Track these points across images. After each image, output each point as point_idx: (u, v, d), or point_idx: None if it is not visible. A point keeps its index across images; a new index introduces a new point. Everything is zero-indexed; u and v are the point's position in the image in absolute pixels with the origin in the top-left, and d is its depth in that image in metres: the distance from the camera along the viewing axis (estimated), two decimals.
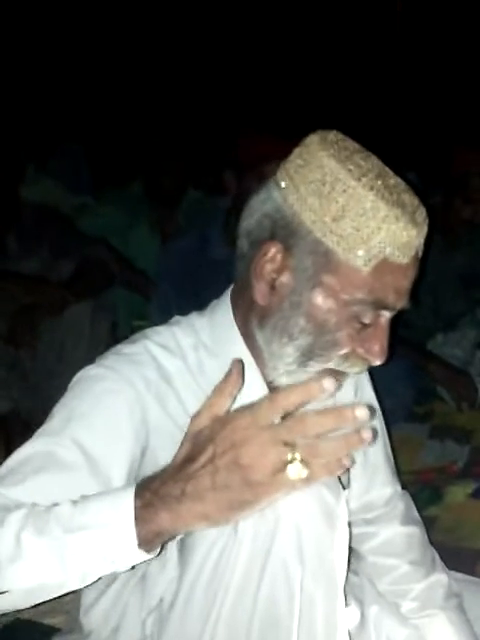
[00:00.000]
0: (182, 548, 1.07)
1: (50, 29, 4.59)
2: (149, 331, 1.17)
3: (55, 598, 0.95)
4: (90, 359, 1.15)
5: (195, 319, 1.18)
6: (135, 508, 0.88)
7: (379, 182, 1.04)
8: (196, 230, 2.31)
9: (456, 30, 4.96)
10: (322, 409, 0.83)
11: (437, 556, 1.44)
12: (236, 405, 1.12)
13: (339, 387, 1.15)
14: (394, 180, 1.07)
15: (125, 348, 1.13)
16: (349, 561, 1.07)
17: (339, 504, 1.03)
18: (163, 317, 1.29)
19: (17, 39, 4.47)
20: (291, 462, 0.82)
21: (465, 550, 1.89)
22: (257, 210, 1.10)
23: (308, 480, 0.83)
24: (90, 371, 1.10)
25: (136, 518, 0.87)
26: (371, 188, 1.03)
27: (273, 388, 1.14)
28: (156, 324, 1.21)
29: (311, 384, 0.84)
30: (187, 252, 2.21)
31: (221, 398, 0.91)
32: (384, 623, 1.37)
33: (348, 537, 1.05)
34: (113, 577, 1.13)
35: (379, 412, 1.38)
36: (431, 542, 1.46)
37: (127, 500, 0.88)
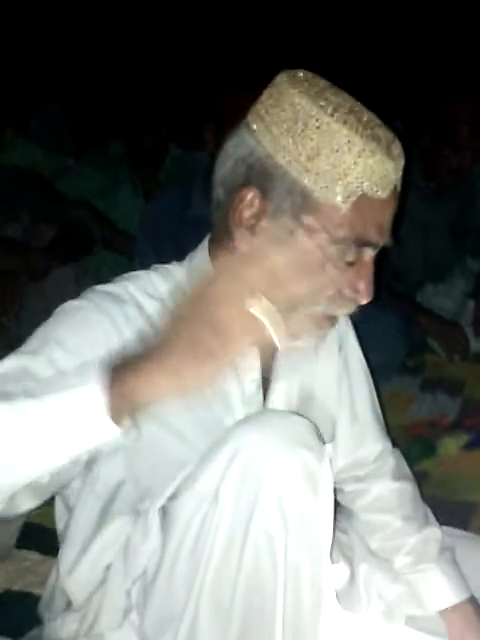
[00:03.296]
0: (164, 516, 1.05)
1: None
2: (127, 275, 1.16)
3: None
4: None
5: (174, 267, 1.18)
6: (101, 371, 0.87)
7: (352, 117, 1.02)
8: (176, 189, 2.27)
9: None
10: None
11: (430, 511, 1.43)
12: None
13: (327, 333, 1.14)
14: (367, 115, 1.04)
15: (106, 287, 1.13)
16: (335, 522, 1.06)
17: (321, 465, 1.01)
18: None
19: None
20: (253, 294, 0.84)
21: (459, 503, 1.89)
22: (231, 156, 1.07)
23: (272, 316, 0.84)
24: (72, 303, 1.10)
25: (102, 381, 0.87)
26: (345, 122, 1.01)
27: None
28: None
29: None
30: (168, 211, 2.17)
31: None
32: (374, 581, 1.37)
33: (332, 500, 1.03)
34: (91, 534, 1.13)
35: (366, 369, 1.37)
36: (424, 497, 1.46)
37: (91, 366, 0.88)
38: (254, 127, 1.05)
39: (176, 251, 2.07)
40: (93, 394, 0.87)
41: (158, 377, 0.86)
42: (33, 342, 1.06)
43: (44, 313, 2.35)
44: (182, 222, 2.12)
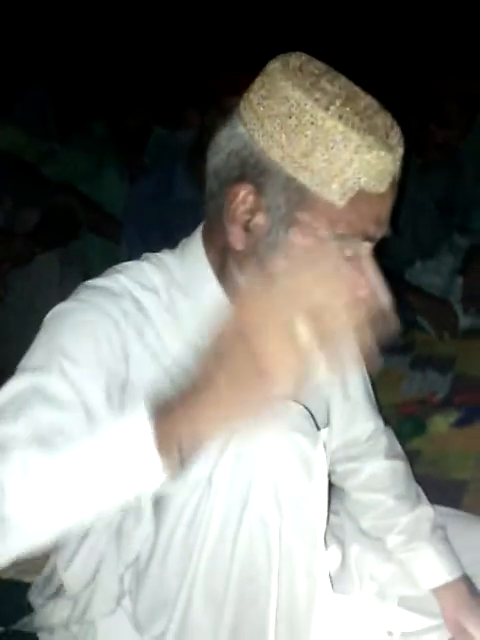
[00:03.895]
0: (157, 502, 1.04)
1: None
2: (119, 267, 1.13)
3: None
4: None
5: (165, 256, 1.15)
6: (148, 409, 0.84)
7: (348, 108, 0.98)
8: (160, 171, 2.25)
9: None
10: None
11: (422, 491, 1.43)
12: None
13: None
14: (365, 101, 1.01)
15: (97, 282, 1.10)
16: (329, 507, 1.06)
17: (316, 451, 1.00)
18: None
19: None
20: (294, 327, 0.79)
21: (450, 481, 1.89)
22: (224, 148, 1.04)
23: (320, 344, 0.80)
24: (64, 306, 1.07)
25: (150, 418, 0.84)
26: (340, 117, 0.97)
27: None
28: None
29: None
30: (152, 196, 2.15)
31: None
32: (366, 562, 1.37)
33: (326, 484, 1.03)
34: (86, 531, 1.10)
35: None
36: (415, 475, 1.46)
37: (139, 408, 0.85)
38: (246, 119, 1.02)
39: (162, 235, 2.06)
40: (142, 432, 0.84)
41: (206, 424, 0.84)
42: (36, 355, 1.02)
43: (29, 299, 2.35)
44: (167, 206, 2.10)
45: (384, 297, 1.02)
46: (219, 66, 2.24)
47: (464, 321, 2.64)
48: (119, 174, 2.88)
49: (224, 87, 1.95)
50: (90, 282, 1.11)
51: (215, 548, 0.97)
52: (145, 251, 2.15)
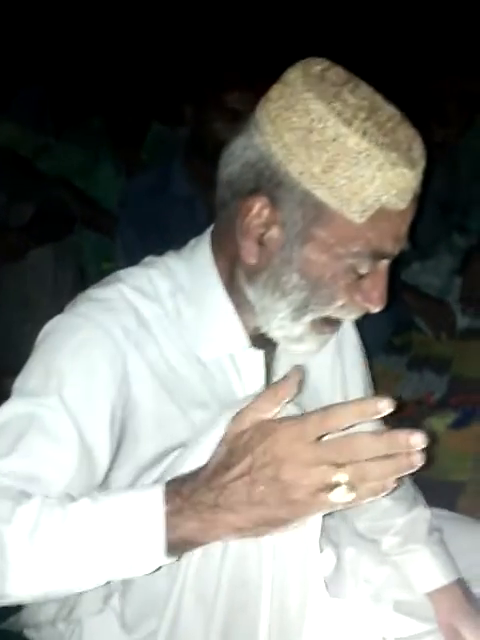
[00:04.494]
0: None
1: None
2: (123, 273, 1.10)
3: None
4: (56, 305, 1.10)
5: (172, 261, 1.12)
6: (165, 514, 0.83)
7: (370, 123, 0.95)
8: (156, 166, 2.23)
9: None
10: (374, 432, 0.77)
11: (419, 492, 1.42)
12: (216, 352, 1.08)
13: (330, 337, 1.10)
14: (387, 113, 0.98)
15: (98, 293, 1.07)
16: None
17: None
18: (129, 258, 1.23)
19: None
20: (336, 485, 0.76)
21: (446, 483, 1.88)
22: (239, 157, 1.00)
23: (351, 503, 0.77)
24: (63, 321, 1.04)
25: (165, 524, 0.83)
26: (364, 133, 0.93)
27: (257, 337, 1.10)
28: (123, 266, 1.14)
29: (366, 404, 0.77)
30: (149, 192, 2.13)
31: (268, 403, 0.82)
32: (361, 565, 1.35)
33: None
34: None
35: (360, 353, 1.34)
36: (411, 476, 1.44)
37: (156, 505, 0.83)
38: (264, 130, 0.98)
39: (158, 231, 2.05)
40: (154, 541, 0.84)
41: (221, 531, 0.83)
42: (35, 377, 1.01)
43: (23, 294, 2.33)
44: (163, 202, 2.08)
45: None
46: (216, 62, 2.22)
47: (462, 322, 2.63)
48: (115, 169, 2.86)
49: (221, 83, 1.94)
50: (90, 293, 1.08)
51: (206, 550, 0.95)
52: (140, 247, 2.13)
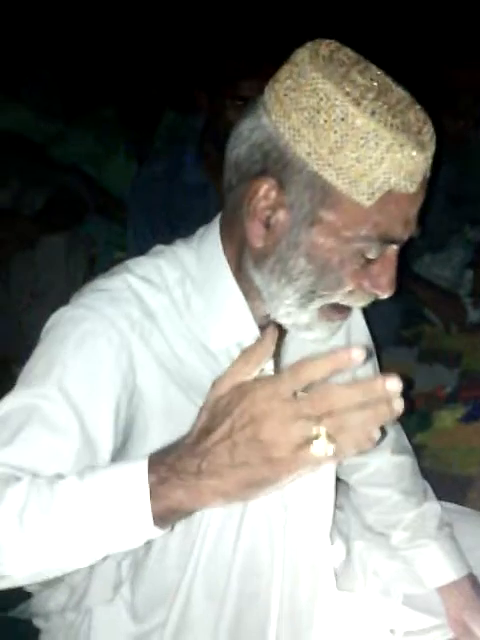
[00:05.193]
0: None
1: None
2: (131, 263, 1.09)
3: None
4: (68, 292, 1.09)
5: (181, 250, 1.10)
6: (150, 484, 0.82)
7: (380, 103, 0.93)
8: (169, 154, 2.22)
9: None
10: (349, 382, 0.75)
11: (429, 486, 1.42)
12: (226, 342, 1.07)
13: (340, 325, 1.09)
14: (397, 95, 0.96)
15: (104, 283, 1.06)
16: (334, 502, 1.04)
17: None
18: (140, 247, 1.21)
19: None
20: (316, 438, 0.75)
21: (456, 477, 1.87)
22: (246, 139, 0.99)
23: (334, 456, 0.75)
24: (68, 312, 1.03)
25: (151, 495, 0.82)
26: (372, 113, 0.91)
27: (266, 325, 1.06)
28: (134, 255, 1.13)
29: (339, 355, 0.76)
30: (159, 179, 2.11)
31: (246, 366, 0.81)
32: (371, 558, 1.35)
33: (333, 479, 1.00)
34: None
35: (370, 344, 1.33)
36: (420, 470, 1.44)
37: (141, 476, 0.82)
38: (272, 110, 0.96)
39: (168, 218, 2.04)
40: (141, 512, 0.82)
41: (208, 497, 0.81)
42: (38, 368, 1.00)
43: (34, 282, 2.33)
44: (174, 190, 2.07)
45: None
46: (230, 50, 2.20)
47: (473, 315, 2.61)
48: (127, 157, 2.86)
49: (235, 71, 1.92)
50: (96, 283, 1.07)
51: (217, 542, 0.95)
52: (151, 235, 2.12)
